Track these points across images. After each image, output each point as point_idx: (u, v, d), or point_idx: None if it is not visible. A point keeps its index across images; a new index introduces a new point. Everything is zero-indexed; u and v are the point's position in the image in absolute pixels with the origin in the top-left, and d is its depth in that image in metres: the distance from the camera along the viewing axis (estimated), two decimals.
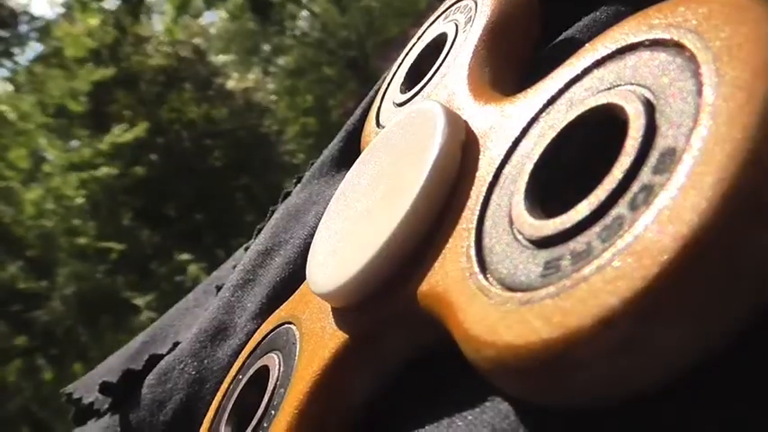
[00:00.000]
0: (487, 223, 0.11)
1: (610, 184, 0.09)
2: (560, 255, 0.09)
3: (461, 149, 0.12)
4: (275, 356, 0.15)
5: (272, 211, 0.24)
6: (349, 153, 0.23)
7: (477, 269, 0.10)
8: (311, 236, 0.20)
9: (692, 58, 0.09)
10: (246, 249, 0.24)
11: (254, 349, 0.17)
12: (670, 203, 0.08)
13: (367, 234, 0.13)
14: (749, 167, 0.07)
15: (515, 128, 0.12)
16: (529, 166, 0.11)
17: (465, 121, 0.13)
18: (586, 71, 0.11)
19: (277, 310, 0.17)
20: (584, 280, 0.08)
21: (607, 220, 0.08)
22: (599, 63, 0.10)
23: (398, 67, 0.19)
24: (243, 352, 0.17)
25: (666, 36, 0.09)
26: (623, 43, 0.10)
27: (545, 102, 0.11)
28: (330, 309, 0.14)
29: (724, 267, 0.07)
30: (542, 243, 0.09)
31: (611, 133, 0.09)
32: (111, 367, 0.24)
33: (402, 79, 0.18)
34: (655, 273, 0.07)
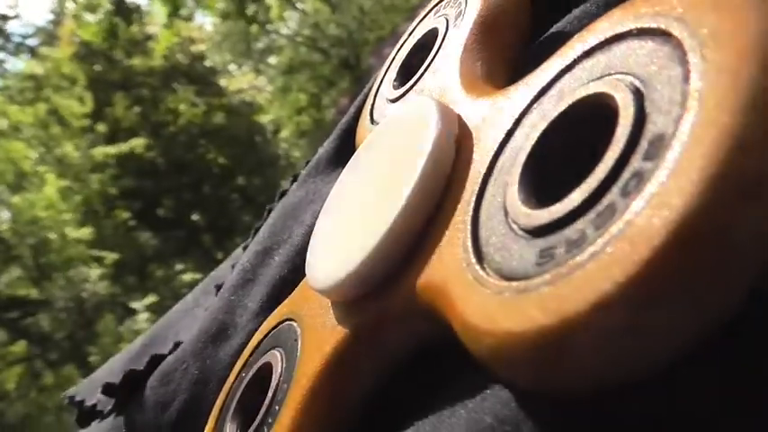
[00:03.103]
0: (483, 214, 0.11)
1: (601, 171, 0.09)
2: (555, 243, 0.09)
3: (455, 143, 0.13)
4: (278, 353, 0.15)
5: (269, 210, 0.24)
6: (344, 151, 0.23)
7: (473, 260, 0.10)
8: (309, 234, 0.20)
9: (679, 46, 0.09)
10: (245, 249, 0.24)
11: (257, 347, 0.17)
12: (660, 189, 0.08)
13: (364, 229, 0.13)
14: (736, 151, 0.07)
15: (508, 120, 0.12)
16: (522, 157, 0.11)
17: (458, 115, 0.13)
18: (576, 62, 0.11)
19: (278, 308, 0.17)
20: (579, 267, 0.08)
21: (600, 207, 0.09)
22: (588, 53, 0.11)
23: (391, 63, 0.19)
24: (245, 350, 0.17)
25: (653, 24, 0.09)
26: (611, 33, 0.10)
27: (536, 93, 0.11)
28: (330, 304, 0.14)
29: (715, 249, 0.07)
30: (537, 232, 0.09)
31: (602, 121, 0.10)
32: (112, 369, 0.24)
33: (394, 75, 0.18)
34: (647, 257, 0.07)
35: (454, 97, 0.14)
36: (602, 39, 0.10)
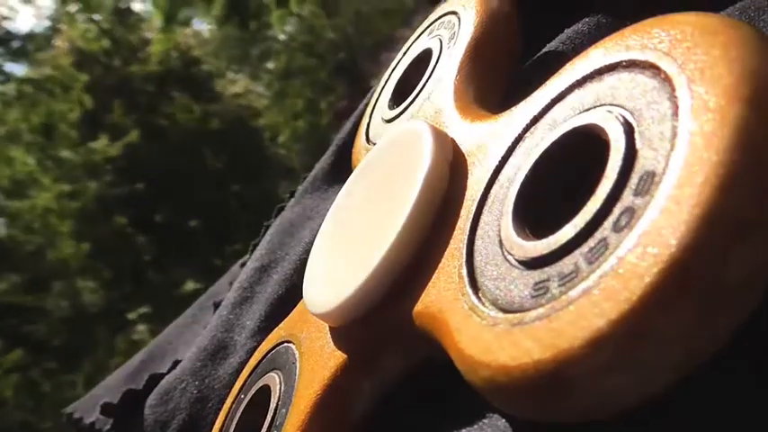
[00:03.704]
0: (478, 243, 0.11)
1: (594, 205, 0.09)
2: (549, 276, 0.09)
3: (449, 168, 0.13)
4: (276, 376, 0.15)
5: (267, 227, 0.25)
6: (340, 167, 0.23)
7: (469, 289, 0.10)
8: (307, 252, 0.20)
9: (668, 80, 0.09)
10: (243, 266, 0.24)
11: (255, 368, 0.17)
12: (651, 227, 0.08)
13: (361, 254, 0.13)
14: (724, 190, 0.08)
15: (501, 147, 0.12)
16: (516, 186, 0.11)
17: (452, 140, 0.13)
18: (568, 90, 0.11)
19: (276, 329, 0.17)
20: (572, 302, 0.08)
21: (592, 242, 0.09)
22: (579, 83, 0.11)
23: (386, 81, 0.19)
24: (244, 370, 0.17)
25: (642, 58, 0.10)
26: (602, 63, 0.10)
27: (529, 121, 0.11)
28: (328, 328, 0.14)
29: (705, 286, 0.08)
30: (531, 264, 0.10)
31: (592, 149, 0.10)
32: (110, 387, 0.24)
33: (390, 95, 0.19)
34: (639, 295, 0.08)
35: (448, 121, 0.14)
36: (593, 69, 0.10)
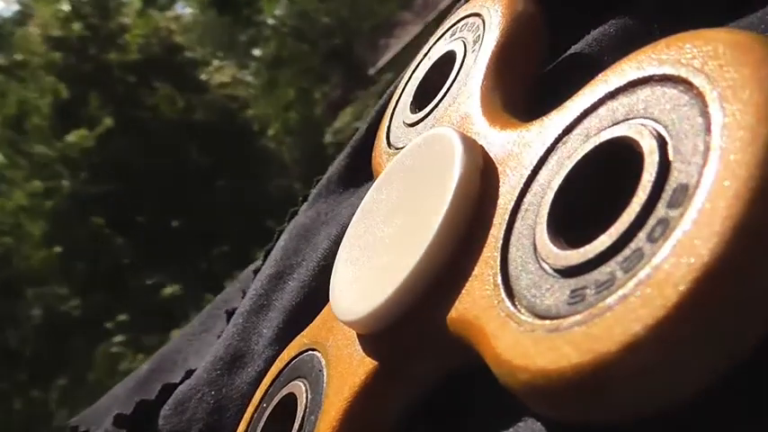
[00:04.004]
0: (512, 251, 0.12)
1: (628, 216, 0.10)
2: (585, 284, 0.10)
3: (480, 176, 0.14)
4: (301, 384, 0.17)
5: (280, 232, 0.26)
6: (355, 170, 0.25)
7: (504, 296, 0.12)
8: (325, 258, 0.21)
9: (700, 96, 0.10)
10: (256, 272, 0.25)
11: (278, 376, 0.18)
12: (684, 237, 0.09)
13: (391, 262, 0.14)
14: (755, 203, 0.09)
15: (534, 156, 0.13)
16: (550, 196, 0.12)
17: (481, 147, 0.15)
18: (600, 102, 0.12)
19: (298, 337, 0.18)
20: (610, 308, 0.10)
21: (627, 251, 0.10)
22: (612, 95, 0.12)
23: (406, 83, 0.21)
24: (265, 379, 0.18)
25: (675, 73, 0.11)
26: (634, 77, 0.12)
27: (561, 131, 0.13)
28: (356, 335, 0.15)
29: (737, 294, 0.09)
30: (567, 272, 0.11)
31: (624, 161, 0.11)
32: (119, 397, 0.25)
33: (411, 98, 0.20)
34: (674, 302, 0.09)
35: (476, 128, 0.16)
36: (626, 81, 0.12)
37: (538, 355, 0.10)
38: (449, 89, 0.18)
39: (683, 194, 0.10)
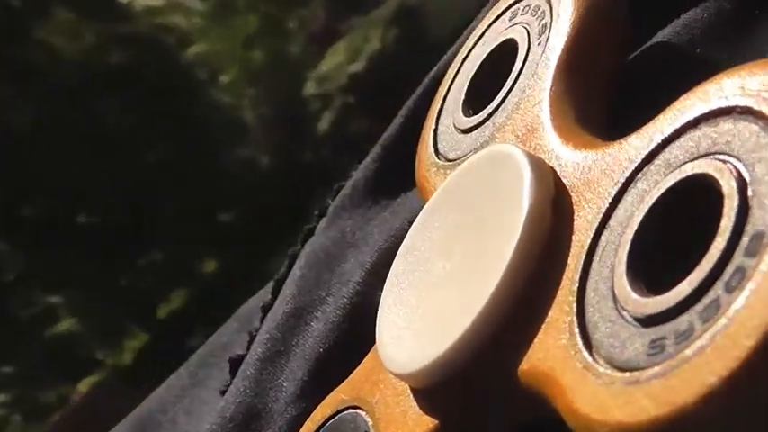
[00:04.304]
0: (589, 295, 0.17)
1: (707, 264, 0.15)
2: (665, 334, 0.15)
3: (552, 206, 0.19)
4: None
5: (292, 257, 0.31)
6: (387, 177, 0.29)
7: (581, 346, 0.17)
8: (357, 293, 0.26)
9: None
10: (265, 309, 0.30)
11: None
12: (758, 288, 0.14)
13: (453, 305, 0.19)
14: None
15: (612, 187, 0.18)
16: (629, 234, 0.17)
17: (553, 171, 0.19)
18: (682, 130, 0.17)
19: (334, 392, 0.23)
20: (687, 360, 0.14)
21: (706, 300, 0.15)
22: (694, 124, 0.17)
23: (455, 74, 0.26)
24: None
25: (757, 107, 0.16)
26: (716, 106, 0.16)
27: (641, 160, 0.18)
28: (410, 390, 0.20)
29: None
30: (647, 321, 0.16)
31: (699, 198, 0.16)
32: None
33: (463, 96, 0.25)
34: (747, 353, 0.14)
35: (546, 144, 0.20)
36: (709, 110, 0.17)
37: (616, 409, 0.15)
38: (510, 89, 0.23)
39: (759, 242, 0.14)
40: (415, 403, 0.20)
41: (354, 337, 0.25)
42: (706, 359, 0.14)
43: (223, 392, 0.29)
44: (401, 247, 0.22)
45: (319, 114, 3.99)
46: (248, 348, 0.29)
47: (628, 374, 0.15)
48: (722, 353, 0.14)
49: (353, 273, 0.27)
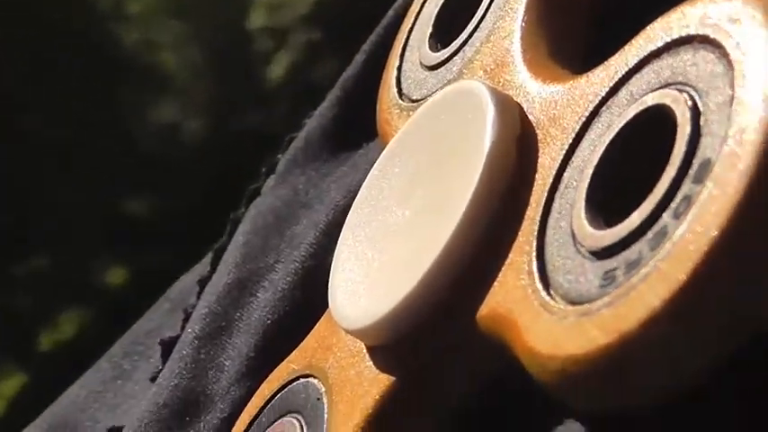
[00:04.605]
0: (549, 234, 0.24)
1: (658, 192, 0.22)
2: (616, 265, 0.22)
3: (517, 145, 0.25)
4: (294, 421, 0.28)
5: (234, 221, 0.37)
6: (348, 124, 0.35)
7: (539, 285, 0.23)
8: (310, 256, 0.32)
9: (731, 65, 0.22)
10: (201, 282, 0.36)
11: (256, 418, 0.29)
12: (699, 212, 0.21)
13: (409, 253, 0.26)
14: (762, 179, 0.20)
15: (576, 122, 0.24)
16: (589, 170, 0.23)
17: (520, 108, 0.26)
18: (645, 61, 0.24)
19: (283, 363, 0.30)
20: (634, 287, 0.21)
21: (656, 228, 0.21)
22: (657, 54, 0.23)
23: (421, 6, 0.32)
24: (237, 426, 0.30)
25: (713, 35, 0.22)
26: (677, 34, 0.23)
27: (606, 93, 0.24)
28: (365, 349, 0.27)
29: (748, 267, 0.20)
30: (601, 254, 0.22)
31: (656, 128, 0.22)
32: None
33: (430, 27, 0.31)
34: (687, 274, 0.20)
35: (515, 78, 0.27)
36: (671, 39, 0.23)
37: (567, 342, 0.22)
38: (480, 21, 0.29)
39: (706, 169, 0.21)
40: (371, 363, 0.27)
41: (307, 305, 0.31)
42: (650, 284, 0.21)
43: (154, 379, 0.34)
44: (357, 197, 0.29)
45: (271, 56, 3.91)
46: (183, 328, 0.35)
47: (580, 307, 0.22)
48: (665, 276, 0.21)
49: (306, 235, 0.33)
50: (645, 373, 0.21)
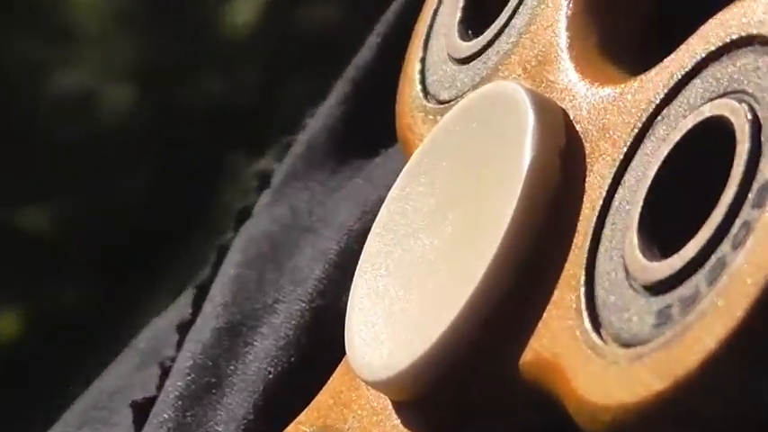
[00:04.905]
0: (599, 266, 0.29)
1: (716, 219, 0.27)
2: (671, 302, 0.27)
3: (561, 160, 0.30)
4: None
5: (221, 248, 0.40)
6: (361, 125, 0.38)
7: (588, 326, 0.28)
8: (320, 294, 0.35)
9: None
10: (180, 328, 0.39)
11: None
12: (759, 242, 0.26)
13: (440, 289, 0.30)
14: None
15: (629, 133, 0.30)
16: (643, 191, 0.29)
17: (565, 115, 0.31)
18: (703, 64, 0.29)
19: (293, 425, 0.34)
20: (689, 327, 0.27)
21: (713, 260, 0.27)
22: (717, 55, 0.29)
23: None
24: None
25: None
26: (739, 34, 0.28)
27: (662, 99, 0.29)
28: (390, 405, 0.31)
29: None
30: (655, 289, 0.28)
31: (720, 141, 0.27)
32: None
33: (459, 12, 0.35)
34: (746, 310, 0.26)
35: (559, 80, 0.32)
36: (729, 40, 0.28)
37: (618, 389, 0.27)
38: (519, 4, 0.34)
39: (766, 192, 0.27)
40: (398, 421, 0.31)
41: (316, 354, 0.35)
42: (706, 323, 0.26)
43: None
44: (375, 222, 0.33)
45: None
46: (161, 387, 0.38)
47: (632, 351, 0.27)
48: (722, 313, 0.26)
49: (312, 267, 0.36)
50: (701, 419, 0.26)
